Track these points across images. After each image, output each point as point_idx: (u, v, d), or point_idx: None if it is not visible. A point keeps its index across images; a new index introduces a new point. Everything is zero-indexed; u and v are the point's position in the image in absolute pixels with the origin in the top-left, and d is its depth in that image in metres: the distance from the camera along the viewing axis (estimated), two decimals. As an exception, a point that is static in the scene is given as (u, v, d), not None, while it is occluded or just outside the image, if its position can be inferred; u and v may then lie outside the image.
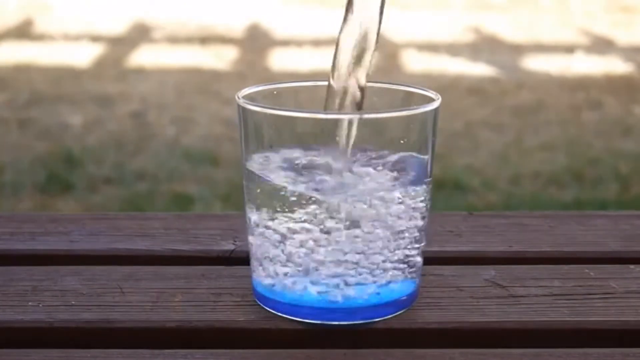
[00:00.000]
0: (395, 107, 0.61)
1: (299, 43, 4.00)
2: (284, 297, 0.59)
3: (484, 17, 4.66)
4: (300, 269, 0.58)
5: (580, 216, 0.77)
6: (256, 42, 4.10)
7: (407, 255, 0.59)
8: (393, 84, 0.63)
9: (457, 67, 3.67)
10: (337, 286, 0.57)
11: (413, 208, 0.58)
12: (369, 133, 0.58)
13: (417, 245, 0.59)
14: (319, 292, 0.58)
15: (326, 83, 0.60)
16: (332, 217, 0.57)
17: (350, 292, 0.58)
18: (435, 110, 0.59)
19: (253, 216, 0.59)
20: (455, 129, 2.81)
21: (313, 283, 0.58)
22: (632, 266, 0.67)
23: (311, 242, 0.57)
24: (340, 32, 0.59)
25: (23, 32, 4.26)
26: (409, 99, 0.61)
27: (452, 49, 3.95)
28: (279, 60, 3.80)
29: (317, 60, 3.67)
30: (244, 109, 0.59)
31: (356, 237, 0.57)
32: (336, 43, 0.59)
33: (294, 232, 0.57)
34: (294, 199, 0.57)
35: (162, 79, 3.41)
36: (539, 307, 0.61)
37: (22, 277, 0.65)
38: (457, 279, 0.64)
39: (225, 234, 0.72)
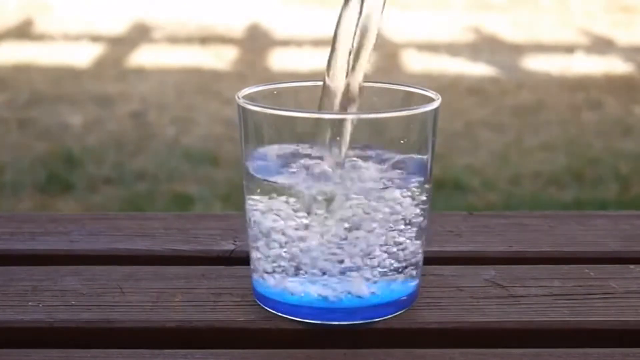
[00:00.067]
0: (395, 107, 0.61)
1: (299, 43, 4.00)
2: (284, 297, 0.59)
3: (483, 17, 4.66)
4: (300, 269, 0.58)
5: (580, 216, 0.77)
6: (256, 42, 4.10)
7: (407, 255, 0.59)
8: (393, 84, 0.63)
9: (457, 67, 3.67)
10: (337, 286, 0.57)
11: (413, 208, 0.58)
12: (369, 133, 0.58)
13: (417, 245, 0.59)
14: (318, 292, 0.58)
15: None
16: (332, 217, 0.57)
17: (350, 292, 0.58)
18: (435, 110, 0.59)
19: (253, 216, 0.59)
20: (455, 129, 2.81)
21: (313, 283, 0.58)
22: (632, 266, 0.67)
23: (311, 242, 0.57)
24: (337, 27, 0.58)
25: (23, 32, 4.26)
26: (409, 99, 0.61)
27: (452, 49, 3.95)
28: (279, 60, 3.80)
29: (317, 60, 3.66)
30: (244, 109, 0.59)
31: (356, 237, 0.57)
32: (332, 39, 0.58)
33: (294, 231, 0.57)
34: (294, 199, 0.57)
35: (162, 79, 3.41)
36: (539, 307, 0.61)
37: (22, 277, 0.64)
38: (457, 279, 0.64)
39: (225, 234, 0.72)
